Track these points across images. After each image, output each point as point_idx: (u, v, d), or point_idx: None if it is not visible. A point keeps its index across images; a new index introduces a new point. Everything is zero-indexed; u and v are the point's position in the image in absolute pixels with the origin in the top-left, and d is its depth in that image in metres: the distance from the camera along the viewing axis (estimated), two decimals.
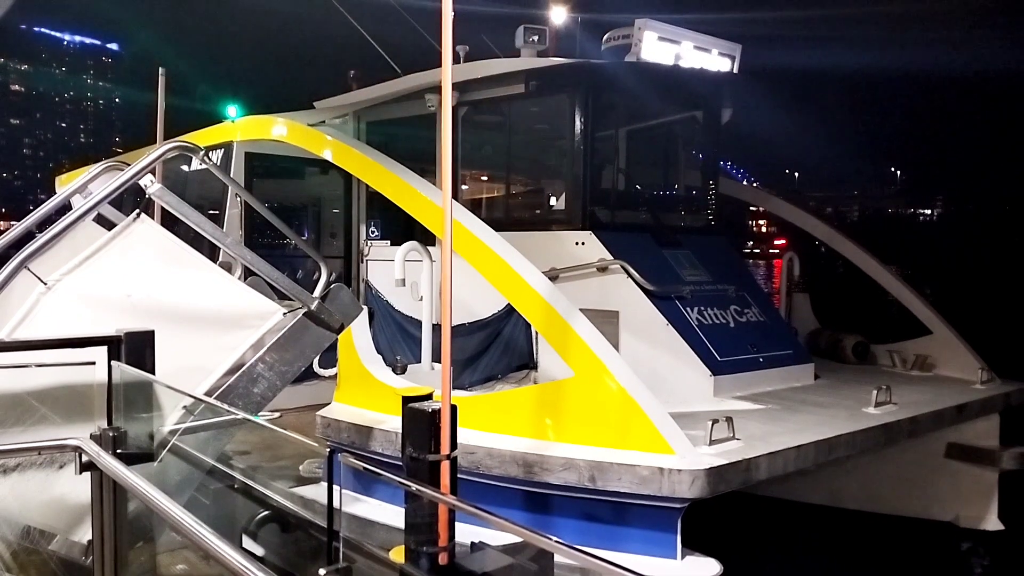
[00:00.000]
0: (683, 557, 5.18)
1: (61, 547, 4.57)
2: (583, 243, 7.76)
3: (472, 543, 4.30)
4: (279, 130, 8.58)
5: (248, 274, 6.42)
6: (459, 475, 4.43)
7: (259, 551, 5.27)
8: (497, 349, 7.29)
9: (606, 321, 6.92)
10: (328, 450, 2.99)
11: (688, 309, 7.52)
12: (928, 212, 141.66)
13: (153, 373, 4.43)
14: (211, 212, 9.31)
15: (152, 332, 4.50)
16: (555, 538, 2.38)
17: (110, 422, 4.32)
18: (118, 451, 3.97)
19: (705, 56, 8.51)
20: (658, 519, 5.13)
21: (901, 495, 8.02)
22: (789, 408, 6.75)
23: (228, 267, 7.02)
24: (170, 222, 6.37)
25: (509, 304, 6.50)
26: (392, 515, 5.43)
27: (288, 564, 5.34)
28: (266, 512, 5.63)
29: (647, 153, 10.02)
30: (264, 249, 8.63)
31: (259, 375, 5.23)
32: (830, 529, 8.06)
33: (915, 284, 9.56)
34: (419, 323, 7.18)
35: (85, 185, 6.60)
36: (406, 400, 4.46)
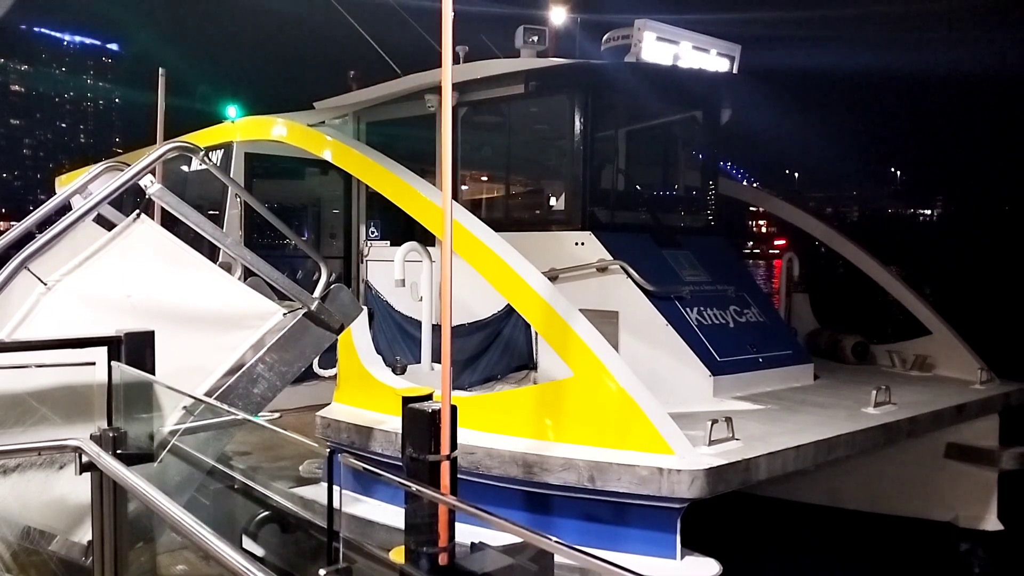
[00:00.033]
0: (682, 557, 5.18)
1: (61, 548, 4.57)
2: (583, 243, 7.77)
3: (472, 543, 4.30)
4: (279, 130, 8.59)
5: (248, 274, 6.42)
6: (459, 475, 4.43)
7: (259, 551, 5.28)
8: (497, 349, 7.29)
9: (605, 321, 6.93)
10: (328, 450, 2.99)
11: (688, 309, 7.52)
12: (928, 212, 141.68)
13: (153, 373, 4.43)
14: (211, 212, 9.31)
15: (152, 332, 4.51)
16: (555, 538, 2.39)
17: (110, 422, 4.32)
18: (118, 452, 3.97)
19: (704, 56, 8.52)
20: (657, 519, 5.13)
21: (900, 495, 8.03)
22: (788, 408, 6.75)
23: (228, 267, 7.02)
24: (170, 222, 6.37)
25: (509, 304, 6.50)
26: (392, 515, 5.44)
27: (288, 564, 5.35)
28: (266, 512, 5.63)
29: (647, 153, 10.02)
30: (264, 250, 8.63)
31: (259, 375, 5.23)
32: (829, 529, 8.06)
33: (915, 284, 9.56)
34: (419, 323, 7.18)
35: (85, 186, 6.60)
36: (406, 400, 4.46)
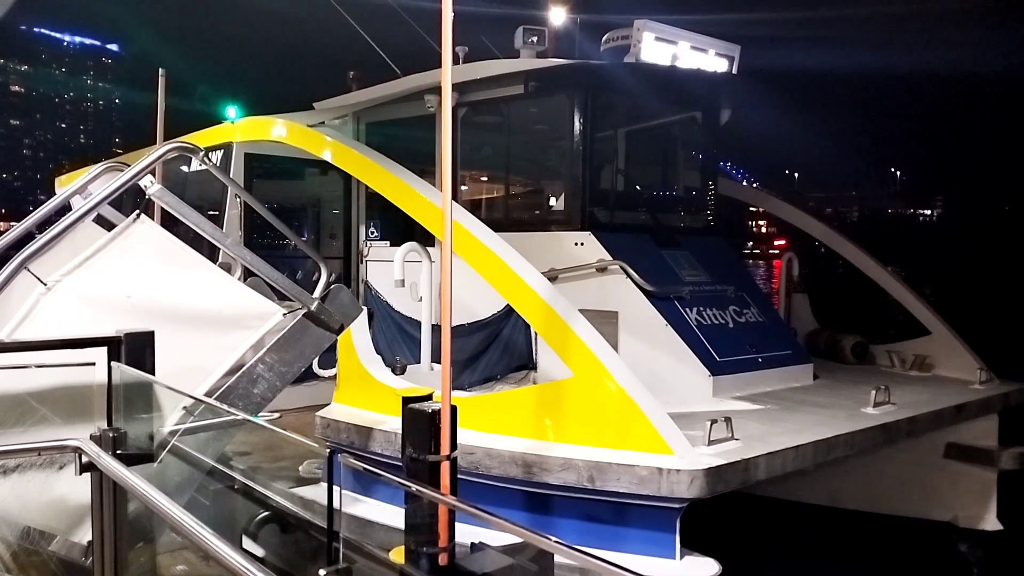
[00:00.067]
0: (682, 557, 5.19)
1: (61, 548, 4.57)
2: (582, 244, 7.77)
3: (472, 543, 4.31)
4: (278, 131, 8.59)
5: (248, 274, 6.43)
6: (458, 475, 4.44)
7: (259, 552, 5.28)
8: (496, 350, 7.30)
9: (605, 321, 6.93)
10: (328, 451, 3.00)
11: (687, 309, 7.53)
12: (928, 212, 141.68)
13: (153, 374, 4.43)
14: (211, 213, 9.32)
15: (152, 333, 4.51)
16: (555, 538, 2.39)
17: (110, 423, 4.32)
18: (118, 452, 3.97)
19: (702, 56, 8.52)
20: (657, 519, 5.14)
21: (900, 495, 8.03)
22: (788, 408, 6.76)
23: (228, 267, 7.03)
24: (170, 223, 6.38)
25: (508, 305, 6.51)
26: (392, 515, 5.44)
27: (288, 565, 5.35)
28: (266, 513, 5.64)
29: (646, 154, 10.03)
30: (263, 250, 8.63)
31: (259, 376, 5.24)
32: (829, 529, 8.07)
33: (915, 284, 9.57)
34: (418, 324, 7.19)
35: (85, 186, 6.61)
36: (406, 401, 4.46)
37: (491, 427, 5.65)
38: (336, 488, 2.81)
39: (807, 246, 11.84)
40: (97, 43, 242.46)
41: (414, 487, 4.05)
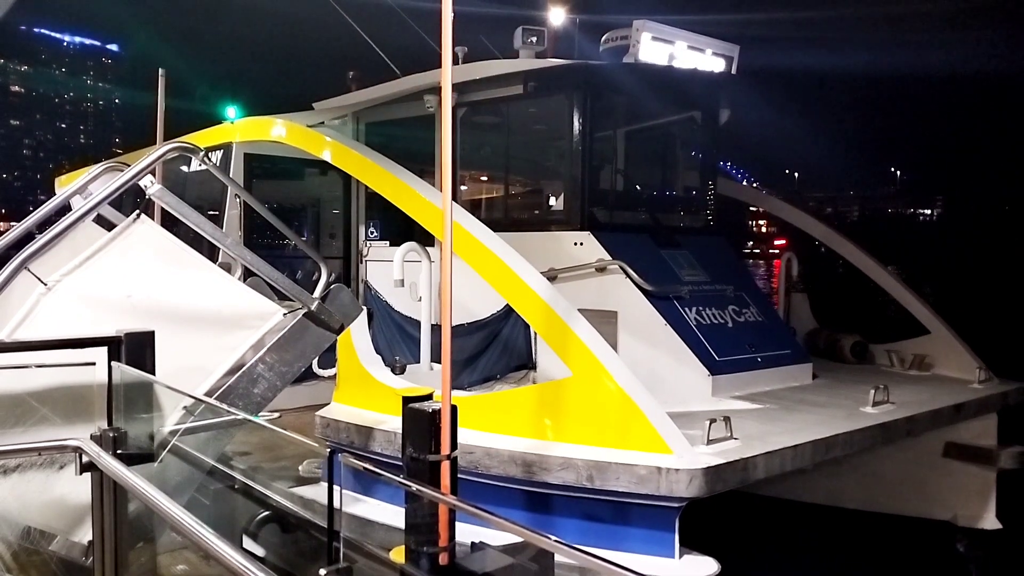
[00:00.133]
0: (681, 556, 5.19)
1: (61, 548, 4.58)
2: (581, 243, 7.78)
3: (472, 543, 4.31)
4: (278, 131, 8.60)
5: (248, 274, 6.43)
6: (458, 475, 4.45)
7: (259, 551, 5.29)
8: (496, 349, 7.31)
9: (604, 321, 6.94)
10: (328, 450, 3.00)
11: (686, 309, 7.53)
12: (928, 212, 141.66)
13: (153, 374, 4.44)
14: (210, 213, 9.32)
15: (152, 333, 4.52)
16: (555, 538, 2.40)
17: (110, 423, 4.33)
18: (118, 452, 3.98)
19: (699, 56, 8.53)
20: (656, 518, 5.15)
21: (899, 494, 8.04)
22: (787, 408, 6.76)
23: (228, 267, 7.04)
24: (170, 223, 6.39)
25: (508, 304, 6.52)
26: (392, 515, 5.45)
27: (288, 564, 5.36)
28: (266, 512, 5.65)
29: (645, 154, 10.03)
30: (263, 250, 8.64)
31: (259, 375, 5.25)
32: (828, 528, 8.07)
33: (915, 284, 9.58)
34: (418, 323, 7.19)
35: (85, 186, 6.62)
36: (406, 400, 4.47)
37: (491, 427, 5.66)
38: (336, 488, 2.81)
39: (807, 246, 11.85)
40: (97, 43, 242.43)
41: (414, 487, 4.06)
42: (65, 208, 6.00)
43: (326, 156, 7.79)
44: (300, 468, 6.79)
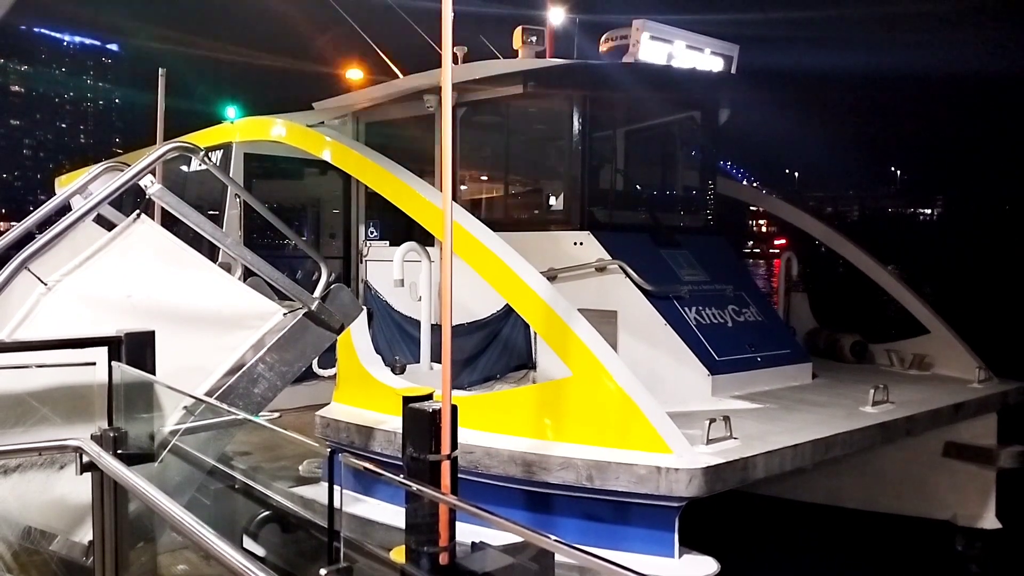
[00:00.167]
0: (681, 556, 5.20)
1: (62, 548, 4.59)
2: (581, 243, 7.78)
3: (473, 543, 4.32)
4: (278, 131, 8.60)
5: (248, 274, 6.44)
6: (458, 475, 4.45)
7: (260, 551, 5.30)
8: (496, 349, 7.31)
9: (604, 321, 6.94)
10: (328, 450, 3.01)
11: (686, 309, 7.54)
12: (928, 212, 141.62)
13: (153, 373, 4.45)
14: (210, 213, 9.32)
15: (152, 332, 4.52)
16: (555, 537, 2.40)
17: (111, 422, 4.34)
18: (119, 451, 3.99)
19: (697, 55, 8.53)
20: (656, 518, 5.15)
21: (899, 494, 8.04)
22: (787, 407, 6.77)
23: (228, 267, 7.04)
24: (170, 222, 6.39)
25: (507, 304, 6.52)
26: (392, 515, 5.46)
27: (289, 564, 5.37)
28: (267, 512, 5.66)
29: (645, 153, 10.03)
30: (263, 250, 8.65)
31: (259, 375, 5.25)
32: (828, 528, 8.08)
33: (915, 284, 9.58)
34: (418, 323, 7.20)
35: (85, 186, 6.63)
36: (406, 400, 4.47)
37: (491, 426, 5.66)
38: (337, 488, 2.81)
39: (807, 245, 11.85)
40: (97, 43, 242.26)
41: (414, 486, 4.06)
42: (65, 208, 6.00)
43: (326, 156, 7.79)
44: (300, 468, 6.79)
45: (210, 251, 6.50)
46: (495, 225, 6.57)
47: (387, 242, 9.27)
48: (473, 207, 9.02)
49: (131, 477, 3.10)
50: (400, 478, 4.17)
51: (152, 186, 5.31)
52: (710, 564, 5.20)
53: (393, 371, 6.64)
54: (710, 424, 5.35)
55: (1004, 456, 7.72)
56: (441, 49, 4.36)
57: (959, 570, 7.77)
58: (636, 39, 8.09)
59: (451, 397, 4.28)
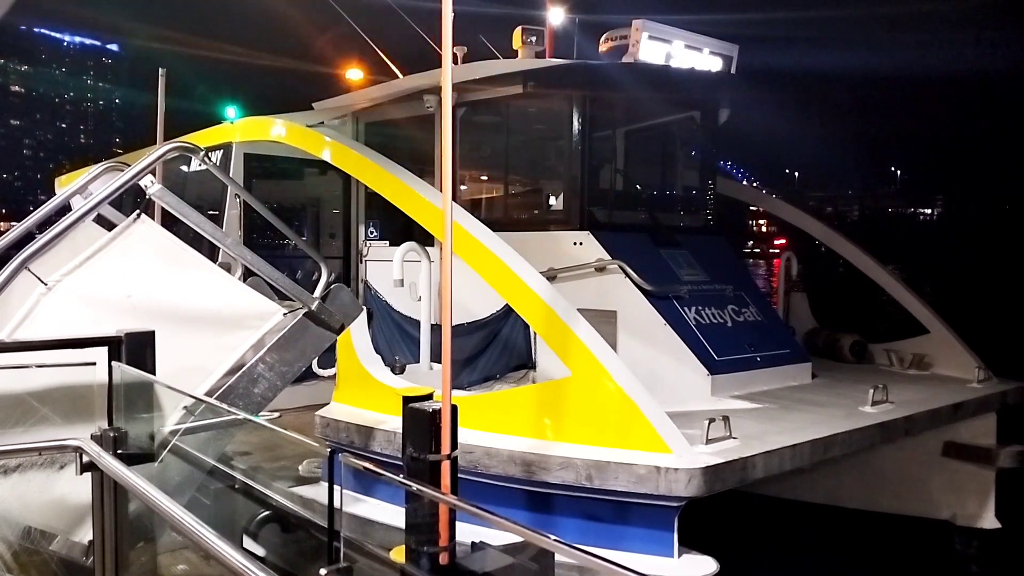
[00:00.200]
0: (680, 555, 5.20)
1: (62, 547, 4.59)
2: (581, 243, 7.79)
3: (473, 543, 4.32)
4: (278, 131, 8.61)
5: (248, 274, 6.44)
6: (458, 475, 4.45)
7: (260, 551, 5.30)
8: (495, 349, 7.32)
9: (604, 321, 6.95)
10: (328, 450, 3.01)
11: (686, 309, 7.54)
12: (928, 212, 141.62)
13: (153, 373, 4.45)
14: (210, 213, 9.33)
15: (152, 332, 4.53)
16: (554, 537, 2.40)
17: (111, 422, 4.34)
18: (119, 451, 3.99)
19: (696, 55, 8.53)
20: (655, 518, 5.15)
21: (898, 494, 8.05)
22: (786, 407, 6.77)
23: (228, 267, 7.05)
24: (170, 222, 6.39)
25: (507, 304, 6.52)
26: (392, 515, 5.46)
27: (288, 564, 5.37)
28: (267, 512, 5.66)
29: (645, 153, 10.04)
30: (263, 250, 8.65)
31: (259, 375, 5.26)
32: (827, 528, 8.08)
33: (915, 284, 9.59)
34: (418, 323, 7.20)
35: (85, 186, 6.63)
36: (406, 400, 4.48)
37: (490, 426, 5.67)
38: (337, 487, 2.82)
39: (807, 245, 11.86)
40: (97, 43, 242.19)
41: (415, 486, 4.06)
42: (65, 208, 6.01)
43: (326, 156, 7.80)
44: (300, 468, 6.80)
45: (210, 251, 6.50)
46: (495, 225, 6.57)
47: (387, 242, 9.27)
48: (473, 207, 9.03)
49: (131, 477, 3.11)
50: (400, 478, 4.18)
51: (152, 186, 5.32)
52: (709, 564, 5.20)
53: (393, 371, 6.64)
54: (709, 424, 5.35)
55: (1003, 456, 7.72)
56: (441, 49, 4.37)
57: (958, 570, 7.78)
58: (636, 39, 8.09)
59: (451, 397, 4.28)
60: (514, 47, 8.23)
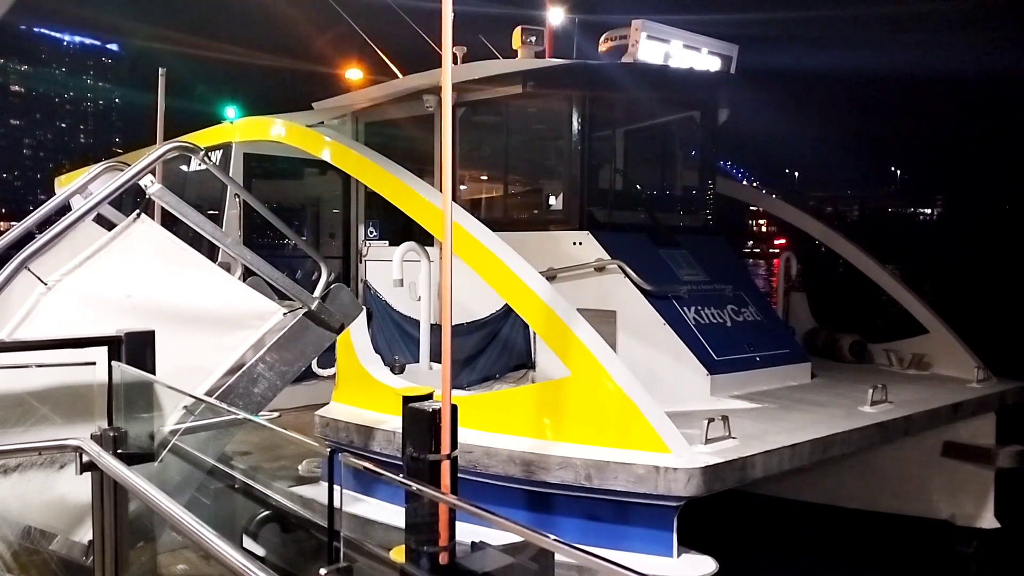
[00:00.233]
0: (679, 555, 5.20)
1: (62, 547, 4.59)
2: (580, 243, 7.79)
3: (472, 543, 4.32)
4: (277, 131, 8.61)
5: (248, 274, 6.45)
6: (458, 474, 4.46)
7: (260, 551, 5.31)
8: (495, 349, 7.32)
9: (603, 321, 6.95)
10: (328, 450, 3.01)
11: (685, 309, 7.54)
12: (928, 212, 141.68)
13: (153, 373, 4.45)
14: (210, 213, 9.33)
15: (152, 332, 4.53)
16: (554, 537, 2.41)
17: (111, 422, 4.35)
18: (119, 451, 4.00)
19: (695, 55, 8.53)
20: (655, 517, 5.16)
21: (897, 493, 8.05)
22: (785, 407, 6.77)
23: (228, 267, 7.05)
24: (170, 222, 6.40)
25: (507, 304, 6.52)
26: (392, 515, 5.46)
27: (288, 564, 5.38)
28: (266, 512, 5.66)
29: (644, 153, 10.04)
30: (263, 249, 8.66)
31: (259, 375, 5.26)
32: (826, 528, 8.09)
33: (915, 284, 9.59)
34: (417, 323, 7.20)
35: (85, 186, 6.63)
36: (406, 400, 4.48)
37: (490, 426, 5.67)
38: (336, 487, 2.82)
39: (807, 245, 11.86)
40: (97, 43, 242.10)
41: (414, 486, 4.07)
42: (65, 208, 6.01)
43: (326, 156, 7.80)
44: (300, 468, 6.80)
45: (210, 251, 6.51)
46: (494, 225, 6.57)
47: (386, 242, 9.27)
48: (473, 207, 9.03)
49: (131, 477, 3.11)
50: (400, 478, 4.18)
51: (152, 186, 5.33)
52: (709, 564, 5.21)
53: (393, 371, 6.64)
54: (709, 424, 5.36)
55: (1003, 456, 7.72)
56: (441, 49, 4.38)
57: (958, 570, 7.78)
58: (635, 39, 8.09)
59: (451, 397, 4.29)
60: (514, 47, 8.22)
